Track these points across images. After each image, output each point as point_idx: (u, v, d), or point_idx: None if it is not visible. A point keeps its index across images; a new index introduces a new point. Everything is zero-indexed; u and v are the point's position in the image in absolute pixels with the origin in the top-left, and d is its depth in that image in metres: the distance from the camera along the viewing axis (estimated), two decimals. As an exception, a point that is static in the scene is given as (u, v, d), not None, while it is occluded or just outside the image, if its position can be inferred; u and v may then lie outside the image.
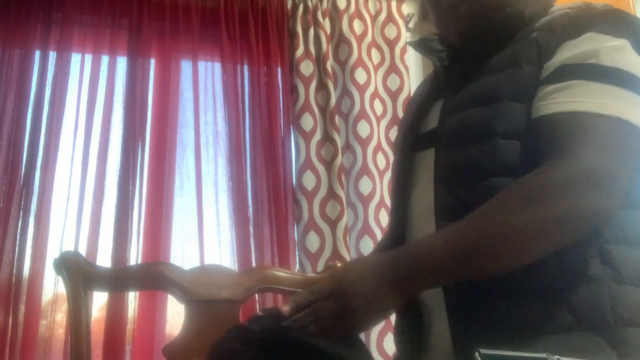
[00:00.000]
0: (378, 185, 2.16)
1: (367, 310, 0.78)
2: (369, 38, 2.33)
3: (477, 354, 0.59)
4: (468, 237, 0.77)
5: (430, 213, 0.88)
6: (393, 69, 2.33)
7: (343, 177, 2.13)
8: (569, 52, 0.84)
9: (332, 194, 2.10)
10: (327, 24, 2.30)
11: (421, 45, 1.08)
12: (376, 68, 2.32)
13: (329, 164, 2.14)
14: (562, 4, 0.96)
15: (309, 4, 2.28)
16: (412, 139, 1.00)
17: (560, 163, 0.77)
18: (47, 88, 2.00)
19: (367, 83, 2.26)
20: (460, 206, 0.83)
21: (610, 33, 0.85)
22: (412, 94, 1.19)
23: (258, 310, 1.76)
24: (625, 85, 0.81)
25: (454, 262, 0.76)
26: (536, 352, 0.64)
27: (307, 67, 2.22)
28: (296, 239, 2.06)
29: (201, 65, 2.18)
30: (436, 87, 1.03)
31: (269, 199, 2.06)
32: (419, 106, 1.04)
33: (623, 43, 0.84)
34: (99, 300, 1.81)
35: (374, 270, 0.79)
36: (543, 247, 0.76)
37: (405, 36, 2.38)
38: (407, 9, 2.42)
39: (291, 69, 2.22)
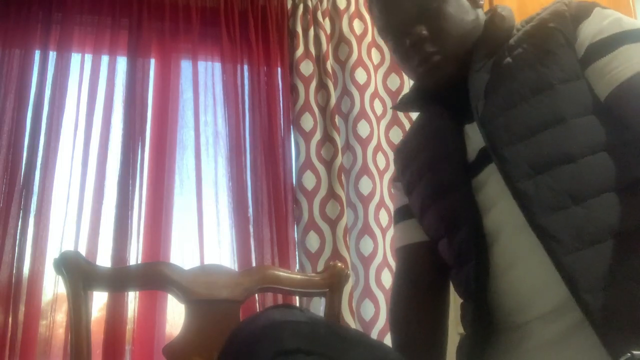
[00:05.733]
0: (378, 185, 2.16)
1: None
2: (369, 38, 2.33)
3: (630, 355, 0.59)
4: None
5: (519, 222, 0.85)
6: (393, 69, 2.33)
7: (343, 177, 2.13)
8: (593, 28, 0.90)
9: (332, 194, 2.10)
10: (327, 24, 2.30)
11: (407, 103, 1.12)
12: (376, 68, 2.33)
13: (329, 164, 2.14)
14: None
15: (309, 4, 2.28)
16: (461, 169, 0.96)
17: None
18: (47, 88, 2.00)
19: (367, 83, 2.26)
20: (556, 193, 0.82)
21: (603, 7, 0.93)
22: (402, 146, 1.18)
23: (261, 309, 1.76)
24: None
25: None
26: None
27: (307, 67, 2.22)
28: (296, 239, 2.06)
29: (201, 65, 2.18)
30: (444, 121, 1.02)
31: (269, 199, 2.05)
32: (442, 142, 1.01)
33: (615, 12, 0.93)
34: (99, 300, 1.82)
35: None
36: None
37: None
38: (407, 9, 2.42)
39: (291, 69, 2.22)
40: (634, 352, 0.59)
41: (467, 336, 0.95)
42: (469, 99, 0.95)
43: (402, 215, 1.15)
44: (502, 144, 0.88)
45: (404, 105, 1.15)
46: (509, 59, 0.94)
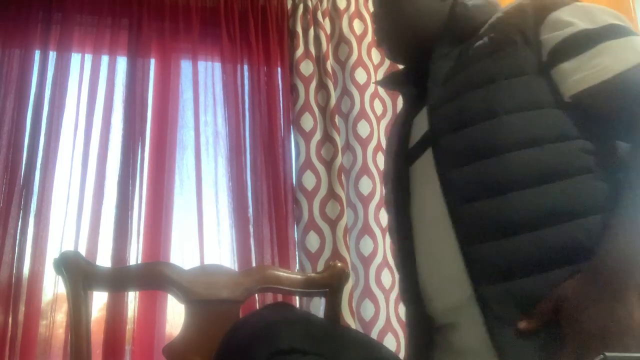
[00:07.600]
0: (378, 185, 2.16)
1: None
2: (369, 38, 2.33)
3: (602, 356, 0.58)
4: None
5: (438, 210, 0.87)
6: (393, 69, 2.33)
7: (343, 177, 2.13)
8: (563, 22, 0.87)
9: (332, 194, 2.10)
10: (327, 24, 2.30)
11: (390, 81, 1.18)
12: (376, 68, 2.33)
13: (329, 164, 2.14)
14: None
15: (309, 4, 2.28)
16: (404, 154, 1.01)
17: None
18: (47, 88, 2.00)
19: (367, 83, 2.26)
20: (475, 185, 0.83)
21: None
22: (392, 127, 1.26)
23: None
24: (624, 34, 0.84)
25: None
26: None
27: (307, 67, 2.22)
28: (296, 239, 2.06)
29: (201, 65, 2.18)
30: (410, 108, 1.08)
31: (269, 199, 2.05)
32: (401, 128, 1.08)
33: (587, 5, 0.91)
34: (99, 300, 1.82)
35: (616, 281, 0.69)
36: None
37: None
38: (407, 9, 2.42)
39: (291, 69, 2.22)
40: (607, 353, 0.58)
41: (413, 331, 0.99)
42: None
43: None
44: (441, 133, 0.91)
45: (386, 82, 1.20)
46: (472, 49, 0.95)
